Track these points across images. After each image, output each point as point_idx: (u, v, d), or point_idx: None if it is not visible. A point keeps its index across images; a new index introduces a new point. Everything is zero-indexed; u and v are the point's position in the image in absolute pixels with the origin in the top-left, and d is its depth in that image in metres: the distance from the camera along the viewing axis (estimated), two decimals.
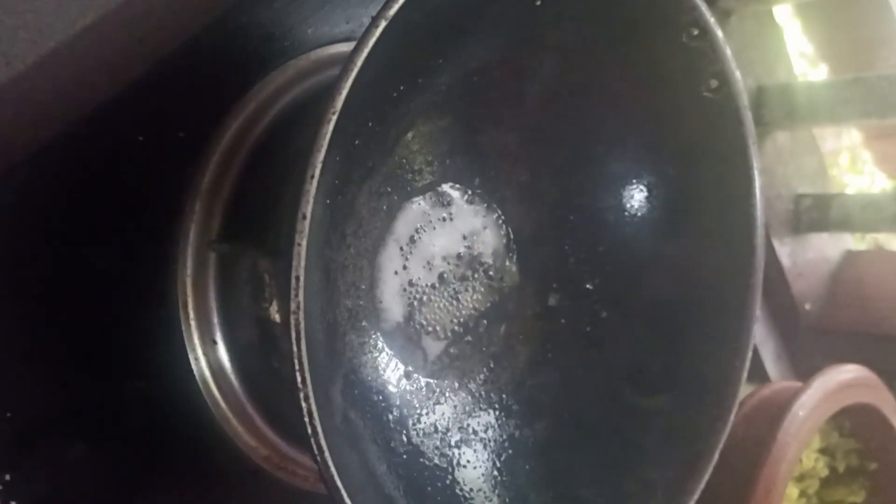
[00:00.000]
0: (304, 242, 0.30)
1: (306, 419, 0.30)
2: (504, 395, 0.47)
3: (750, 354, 0.44)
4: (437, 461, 0.43)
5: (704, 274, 0.45)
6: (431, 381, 0.45)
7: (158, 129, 0.42)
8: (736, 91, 0.42)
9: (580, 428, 0.46)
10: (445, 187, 0.46)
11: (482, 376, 0.47)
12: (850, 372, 0.62)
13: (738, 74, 0.42)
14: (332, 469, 0.31)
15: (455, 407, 0.45)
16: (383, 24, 0.31)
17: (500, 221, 0.48)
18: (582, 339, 0.47)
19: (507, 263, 0.48)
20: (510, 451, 0.45)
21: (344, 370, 0.41)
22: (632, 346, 0.47)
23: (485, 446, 0.45)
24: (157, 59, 0.40)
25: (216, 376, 0.44)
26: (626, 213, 0.47)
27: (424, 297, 0.45)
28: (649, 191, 0.47)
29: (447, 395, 0.46)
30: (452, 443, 0.44)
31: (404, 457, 0.42)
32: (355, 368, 0.42)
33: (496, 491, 0.44)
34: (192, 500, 0.45)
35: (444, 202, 0.46)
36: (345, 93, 0.31)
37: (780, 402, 0.60)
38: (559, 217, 0.48)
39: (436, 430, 0.44)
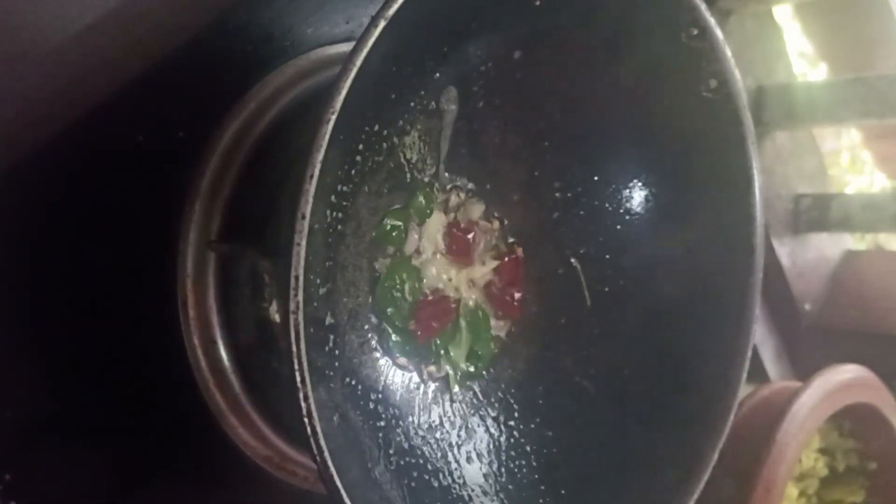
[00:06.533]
0: (304, 242, 0.30)
1: (306, 419, 0.30)
2: (504, 395, 0.47)
3: (750, 354, 0.44)
4: (436, 461, 0.43)
5: (704, 274, 0.45)
6: (430, 381, 0.45)
7: (158, 129, 0.42)
8: (735, 91, 0.42)
9: (580, 428, 0.46)
10: (445, 188, 0.46)
11: (482, 376, 0.47)
12: (849, 372, 0.62)
13: (737, 74, 0.42)
14: (332, 469, 0.31)
15: (455, 407, 0.45)
16: (382, 24, 0.31)
17: (501, 222, 0.48)
18: (582, 338, 0.48)
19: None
20: (510, 452, 0.45)
21: (343, 370, 0.41)
22: (632, 346, 0.47)
23: (485, 446, 0.45)
24: (157, 59, 0.40)
25: (216, 376, 0.44)
26: (626, 213, 0.47)
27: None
28: (649, 190, 0.47)
29: (446, 395, 0.46)
30: (452, 443, 0.44)
31: (404, 457, 0.42)
32: (355, 368, 0.42)
33: (496, 491, 0.44)
34: (192, 500, 0.45)
35: (445, 203, 0.46)
36: (344, 93, 0.31)
37: (780, 402, 0.60)
38: (559, 217, 0.48)
39: (435, 430, 0.44)
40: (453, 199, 0.46)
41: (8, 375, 0.39)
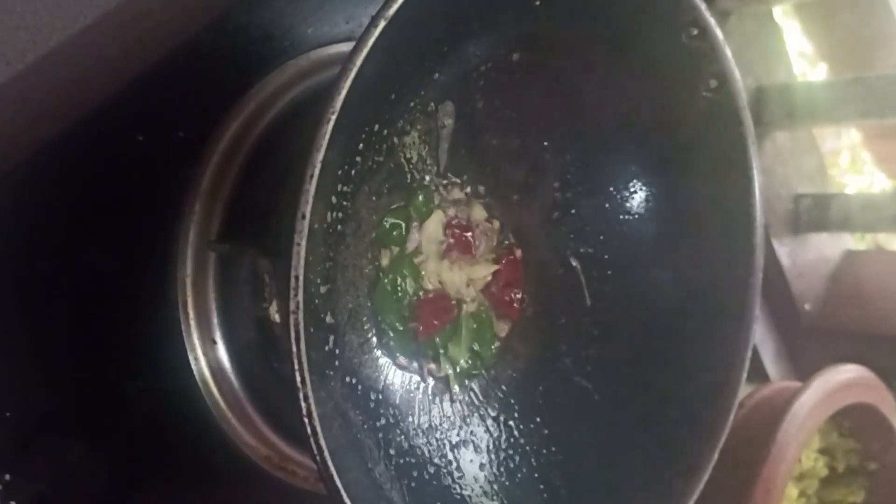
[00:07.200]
0: (304, 242, 0.30)
1: (306, 419, 0.30)
2: (504, 395, 0.47)
3: (749, 354, 0.44)
4: (436, 461, 0.43)
5: (704, 274, 0.45)
6: (431, 381, 0.45)
7: (158, 129, 0.42)
8: (735, 91, 0.42)
9: (579, 428, 0.46)
10: (446, 188, 0.46)
11: (482, 376, 0.47)
12: (849, 372, 0.62)
13: (737, 74, 0.42)
14: (332, 469, 0.31)
15: (454, 407, 0.45)
16: (382, 24, 0.31)
17: (501, 222, 0.48)
18: (582, 338, 0.48)
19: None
20: (510, 451, 0.45)
21: (343, 370, 0.41)
22: (631, 346, 0.47)
23: (484, 446, 0.45)
24: (157, 59, 0.40)
25: (216, 376, 0.44)
26: (626, 213, 0.47)
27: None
28: (649, 190, 0.47)
29: (446, 395, 0.46)
30: (452, 443, 0.44)
31: (404, 456, 0.42)
32: (355, 368, 0.42)
33: (495, 491, 0.44)
34: (192, 500, 0.45)
35: (445, 203, 0.46)
36: (344, 93, 0.31)
37: (780, 402, 0.60)
38: (559, 217, 0.48)
39: (435, 430, 0.44)
40: (453, 199, 0.46)
41: (8, 375, 0.39)
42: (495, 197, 0.47)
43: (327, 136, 0.30)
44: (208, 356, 0.44)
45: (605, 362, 0.47)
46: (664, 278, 0.47)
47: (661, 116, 0.45)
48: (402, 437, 0.42)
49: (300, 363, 0.30)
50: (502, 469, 0.45)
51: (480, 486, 0.44)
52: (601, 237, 0.48)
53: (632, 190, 0.47)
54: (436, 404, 0.45)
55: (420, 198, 0.44)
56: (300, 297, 0.30)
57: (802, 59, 1.07)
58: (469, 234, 0.46)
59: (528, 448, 0.45)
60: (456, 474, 0.43)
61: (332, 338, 0.40)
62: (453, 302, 0.45)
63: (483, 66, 0.43)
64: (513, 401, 0.47)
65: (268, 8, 0.44)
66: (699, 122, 0.43)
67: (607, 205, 0.48)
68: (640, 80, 0.44)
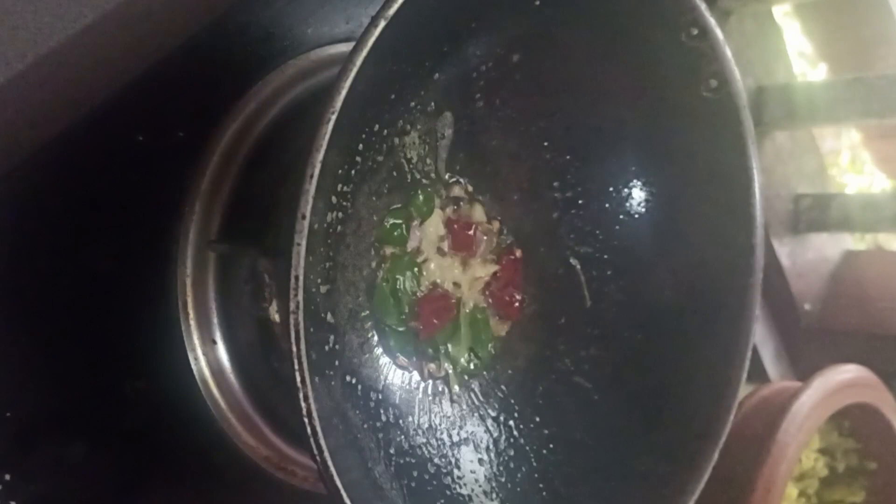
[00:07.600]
0: (304, 242, 0.30)
1: (306, 419, 0.30)
2: (504, 395, 0.47)
3: (749, 354, 0.44)
4: (436, 461, 0.43)
5: (704, 274, 0.45)
6: (430, 381, 0.45)
7: (158, 129, 0.42)
8: (735, 91, 0.42)
9: (580, 428, 0.46)
10: (446, 187, 0.46)
11: (482, 376, 0.47)
12: (849, 372, 0.62)
13: (737, 74, 0.42)
14: (332, 469, 0.31)
15: (454, 407, 0.46)
16: (382, 24, 0.31)
17: (501, 223, 0.48)
18: (581, 338, 0.48)
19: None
20: (510, 452, 0.45)
21: (343, 370, 0.41)
22: (631, 346, 0.47)
23: (484, 446, 0.45)
24: (157, 59, 0.40)
25: (216, 376, 0.44)
26: (626, 214, 0.47)
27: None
28: (649, 190, 0.47)
29: (446, 395, 0.46)
30: (451, 442, 0.44)
31: (404, 456, 0.42)
32: (355, 368, 0.42)
33: (495, 491, 0.44)
34: (192, 500, 0.45)
35: (446, 202, 0.46)
36: (344, 93, 0.31)
37: (780, 402, 0.60)
38: (559, 217, 0.48)
39: (435, 430, 0.44)
40: (454, 198, 0.46)
41: (7, 375, 0.39)
42: (495, 197, 0.47)
43: (327, 136, 0.30)
44: (208, 356, 0.44)
45: (605, 362, 0.47)
46: (664, 278, 0.47)
47: (661, 116, 0.45)
48: (402, 436, 0.42)
49: (300, 363, 0.30)
50: (502, 469, 0.45)
51: (480, 486, 0.44)
52: (601, 237, 0.48)
53: (631, 189, 0.47)
54: (436, 404, 0.45)
55: (420, 197, 0.44)
56: (300, 297, 0.30)
57: (802, 59, 1.07)
58: (469, 233, 0.46)
59: (528, 448, 0.45)
60: (456, 474, 0.43)
61: (332, 338, 0.40)
62: (453, 301, 0.46)
63: (483, 66, 0.43)
64: (513, 401, 0.47)
65: (268, 8, 0.44)
66: (699, 122, 0.43)
67: (607, 205, 0.48)
68: (639, 81, 0.44)
